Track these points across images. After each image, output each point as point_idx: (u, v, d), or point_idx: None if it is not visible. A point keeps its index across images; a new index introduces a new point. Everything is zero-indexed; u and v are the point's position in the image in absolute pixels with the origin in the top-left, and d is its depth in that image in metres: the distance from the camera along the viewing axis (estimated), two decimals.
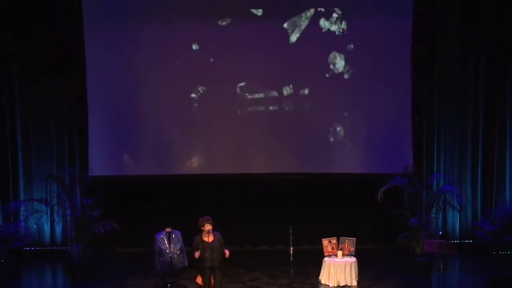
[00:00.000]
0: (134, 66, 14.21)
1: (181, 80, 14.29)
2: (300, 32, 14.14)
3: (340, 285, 12.03)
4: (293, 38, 14.17)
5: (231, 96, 14.32)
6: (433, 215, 13.24)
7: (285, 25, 14.16)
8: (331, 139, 14.37)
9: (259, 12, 14.17)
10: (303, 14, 14.14)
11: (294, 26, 14.13)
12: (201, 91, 14.34)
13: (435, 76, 14.29)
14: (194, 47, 14.24)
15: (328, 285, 12.10)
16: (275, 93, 14.29)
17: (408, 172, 13.19)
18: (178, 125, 14.39)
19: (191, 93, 14.34)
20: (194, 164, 14.44)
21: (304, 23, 14.14)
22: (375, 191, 12.94)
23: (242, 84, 14.24)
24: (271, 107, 14.33)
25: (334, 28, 14.16)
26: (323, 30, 14.17)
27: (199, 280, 11.77)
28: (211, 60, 14.24)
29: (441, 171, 14.21)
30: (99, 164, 14.12)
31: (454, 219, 14.48)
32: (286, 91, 14.30)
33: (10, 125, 14.31)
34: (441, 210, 13.41)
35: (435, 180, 13.66)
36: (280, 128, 14.36)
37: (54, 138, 14.42)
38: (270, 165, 14.34)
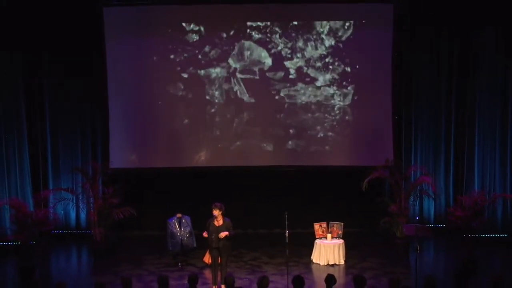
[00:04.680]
0: (148, 69, 14.15)
1: (187, 83, 14.34)
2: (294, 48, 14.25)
3: (330, 263, 12.15)
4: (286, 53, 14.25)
5: (233, 100, 14.39)
6: (411, 202, 13.31)
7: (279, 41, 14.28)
8: (322, 136, 14.40)
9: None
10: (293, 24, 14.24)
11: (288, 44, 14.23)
12: (206, 97, 14.43)
13: (413, 80, 14.32)
14: (206, 50, 14.24)
15: (319, 264, 12.22)
16: (273, 95, 14.38)
17: (389, 164, 13.26)
18: (188, 123, 14.41)
19: (197, 97, 14.36)
20: (202, 157, 14.44)
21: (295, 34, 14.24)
22: (360, 181, 13.02)
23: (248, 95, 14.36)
24: (268, 109, 14.40)
25: (326, 42, 14.18)
26: (313, 40, 14.23)
27: (205, 259, 11.91)
28: (218, 64, 14.30)
29: (418, 164, 14.24)
30: (118, 158, 14.09)
31: (429, 206, 14.57)
32: (284, 93, 14.36)
33: (41, 124, 14.32)
34: (418, 198, 13.51)
35: (412, 171, 13.69)
36: (277, 127, 14.41)
37: (79, 135, 14.44)
38: (268, 158, 14.37)
